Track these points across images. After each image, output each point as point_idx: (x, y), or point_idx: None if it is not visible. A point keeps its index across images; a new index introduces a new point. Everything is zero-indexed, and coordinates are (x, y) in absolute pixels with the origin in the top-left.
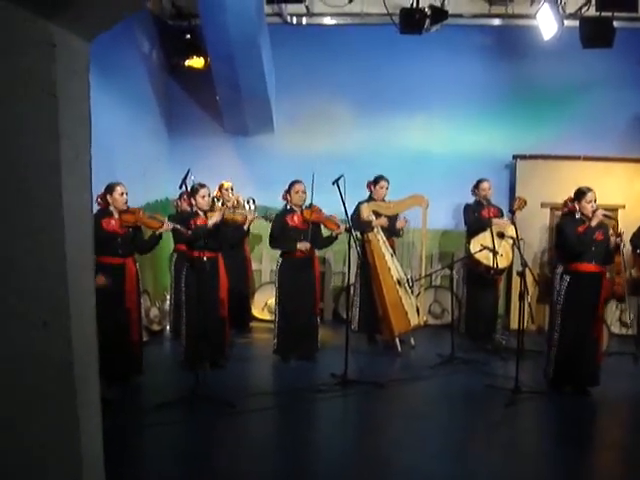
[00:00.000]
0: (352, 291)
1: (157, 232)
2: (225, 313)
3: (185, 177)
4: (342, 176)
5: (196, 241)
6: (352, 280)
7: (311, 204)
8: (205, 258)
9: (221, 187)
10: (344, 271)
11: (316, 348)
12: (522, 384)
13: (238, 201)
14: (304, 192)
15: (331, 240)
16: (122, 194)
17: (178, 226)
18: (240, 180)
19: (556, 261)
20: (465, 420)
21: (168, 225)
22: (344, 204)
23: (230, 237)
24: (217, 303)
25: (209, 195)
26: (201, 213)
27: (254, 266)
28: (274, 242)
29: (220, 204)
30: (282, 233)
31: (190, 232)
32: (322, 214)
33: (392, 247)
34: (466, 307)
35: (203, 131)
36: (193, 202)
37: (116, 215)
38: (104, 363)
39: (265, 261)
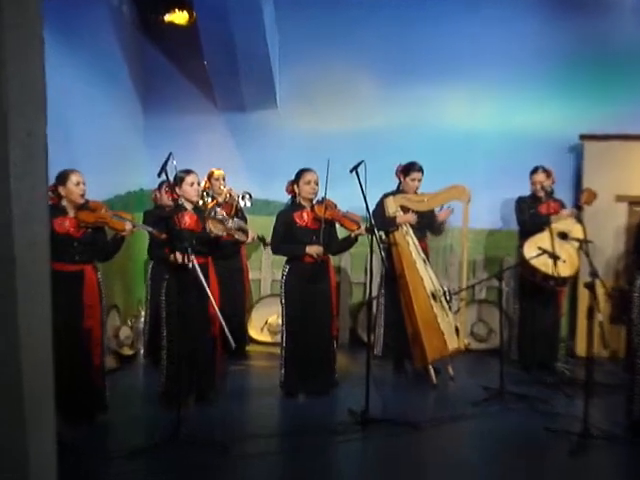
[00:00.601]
0: (375, 307)
1: (120, 234)
2: (216, 334)
3: (165, 163)
4: (362, 162)
5: (180, 242)
6: (374, 293)
7: (324, 198)
8: (191, 264)
9: (210, 176)
10: (365, 282)
11: (334, 381)
12: (593, 427)
13: (230, 195)
14: (316, 183)
15: (349, 243)
16: (78, 184)
17: (149, 229)
18: (234, 168)
19: (636, 270)
20: (518, 473)
21: (130, 226)
22: (365, 197)
23: (226, 247)
24: (206, 321)
25: (198, 183)
26: (189, 206)
27: (252, 275)
28: (278, 246)
29: (210, 199)
30: (288, 234)
31: (165, 235)
32: (338, 210)
33: (425, 252)
34: (519, 328)
35: (187, 106)
36: (179, 192)
37: (71, 213)
38: (60, 397)
39: (266, 269)
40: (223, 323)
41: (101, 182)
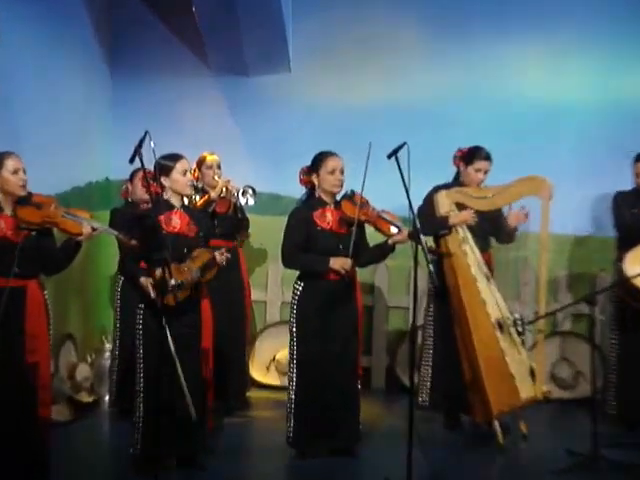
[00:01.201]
0: (421, 339)
1: (76, 239)
2: (208, 375)
3: (139, 145)
4: (404, 145)
5: (157, 252)
6: (420, 321)
7: (352, 192)
8: (173, 281)
9: (201, 163)
10: (406, 305)
11: (357, 435)
12: None
13: (227, 189)
14: (342, 172)
15: (383, 252)
16: (16, 172)
17: (115, 232)
18: (232, 152)
19: None
20: None
21: (88, 229)
22: (407, 191)
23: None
24: (196, 359)
25: (190, 171)
26: (177, 203)
27: (255, 295)
28: (290, 257)
29: (198, 196)
30: (304, 241)
31: (134, 241)
32: (371, 209)
33: (489, 265)
34: (618, 370)
35: (170, 69)
36: (166, 183)
37: (7, 210)
38: None
39: (274, 287)
40: (184, 387)
41: (52, 169)
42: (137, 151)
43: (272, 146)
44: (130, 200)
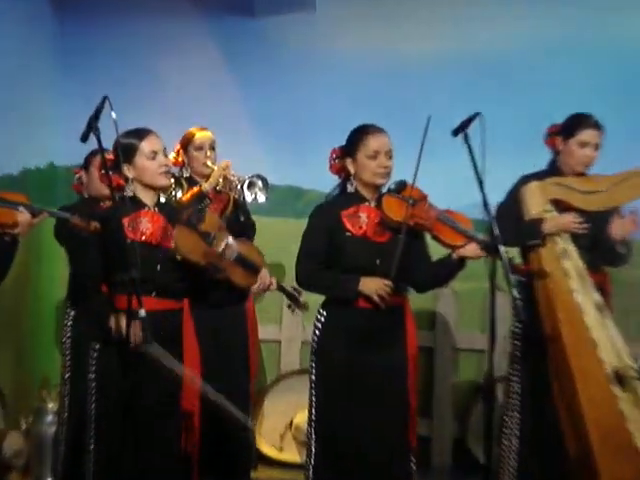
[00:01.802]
0: (502, 397)
1: (10, 233)
2: (192, 449)
3: (95, 116)
4: (478, 116)
5: (121, 271)
6: (502, 370)
7: (402, 183)
8: (143, 312)
9: (187, 142)
10: (482, 347)
11: None
12: None
13: (226, 178)
14: (389, 155)
15: (449, 270)
16: None
17: (66, 215)
18: (233, 127)
19: None
20: None
21: (26, 216)
22: (481, 183)
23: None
24: (173, 425)
25: (165, 154)
26: (148, 199)
27: (264, 332)
28: (307, 274)
29: (184, 186)
30: (330, 253)
31: (95, 225)
32: (428, 207)
33: (603, 291)
34: None
35: (140, 6)
36: (128, 173)
37: None
38: None
39: (290, 320)
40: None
41: None
42: (92, 126)
43: (289, 118)
44: (86, 196)
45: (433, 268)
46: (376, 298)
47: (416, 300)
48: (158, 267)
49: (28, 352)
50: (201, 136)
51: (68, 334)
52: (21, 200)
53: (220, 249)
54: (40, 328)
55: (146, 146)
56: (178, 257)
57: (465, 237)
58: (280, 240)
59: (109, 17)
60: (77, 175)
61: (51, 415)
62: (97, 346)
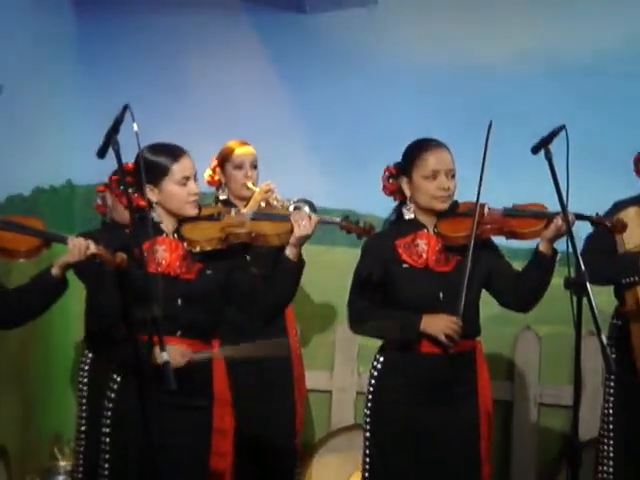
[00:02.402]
0: (594, 462)
1: (55, 270)
2: None
3: (114, 127)
4: (562, 130)
5: (142, 309)
6: (592, 431)
7: (454, 203)
8: (165, 355)
9: (225, 158)
10: (568, 402)
11: None
12: None
13: (268, 203)
14: (451, 175)
15: (545, 266)
16: None
17: (97, 248)
18: (279, 141)
19: None
20: None
21: (77, 244)
22: (564, 209)
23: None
24: None
25: (196, 177)
26: (169, 225)
27: (312, 381)
28: (359, 314)
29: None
30: (384, 288)
31: (122, 258)
32: (488, 212)
33: None
34: None
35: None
36: (152, 197)
37: None
38: None
39: (343, 367)
40: None
41: None
42: (110, 139)
43: (345, 131)
44: (109, 220)
45: (524, 276)
46: (443, 338)
47: (491, 345)
48: (179, 302)
49: (37, 403)
50: (241, 152)
51: (85, 379)
52: (37, 226)
53: (232, 216)
54: (50, 376)
55: (178, 170)
56: (197, 249)
57: (543, 218)
58: (333, 272)
59: (134, 14)
60: (100, 194)
61: (64, 476)
62: (116, 377)
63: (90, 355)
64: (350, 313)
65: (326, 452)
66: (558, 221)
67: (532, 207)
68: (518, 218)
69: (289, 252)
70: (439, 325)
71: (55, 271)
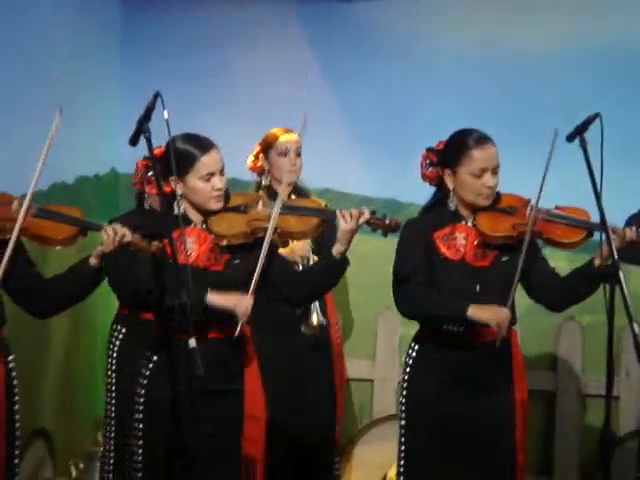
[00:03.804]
0: (638, 456)
1: (92, 261)
2: None
3: (146, 115)
4: (597, 118)
5: (170, 295)
6: (628, 424)
7: (496, 195)
8: (193, 342)
9: (269, 145)
10: (615, 394)
11: None
12: None
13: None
14: (495, 171)
15: (594, 282)
16: None
17: (132, 236)
18: (322, 129)
19: None
20: None
21: (116, 232)
22: (598, 198)
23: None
24: (233, 476)
25: (222, 172)
26: (196, 217)
27: (353, 369)
28: (414, 292)
29: (256, 206)
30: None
31: (156, 245)
32: (531, 211)
33: None
34: None
35: None
36: (176, 188)
37: None
38: None
39: (384, 356)
40: None
41: (18, 156)
42: (142, 126)
43: (387, 120)
44: (147, 206)
45: (569, 284)
46: (494, 324)
47: (534, 335)
48: (206, 293)
49: (80, 388)
50: (286, 139)
51: (114, 354)
52: (75, 214)
53: (258, 211)
54: (94, 361)
55: (203, 166)
56: (224, 243)
57: (583, 229)
58: (374, 261)
59: (176, 3)
60: (139, 171)
61: (103, 458)
62: (151, 356)
63: (123, 330)
64: (399, 297)
65: (367, 442)
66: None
67: (575, 212)
68: (557, 225)
69: (335, 249)
70: (489, 311)
71: (93, 261)
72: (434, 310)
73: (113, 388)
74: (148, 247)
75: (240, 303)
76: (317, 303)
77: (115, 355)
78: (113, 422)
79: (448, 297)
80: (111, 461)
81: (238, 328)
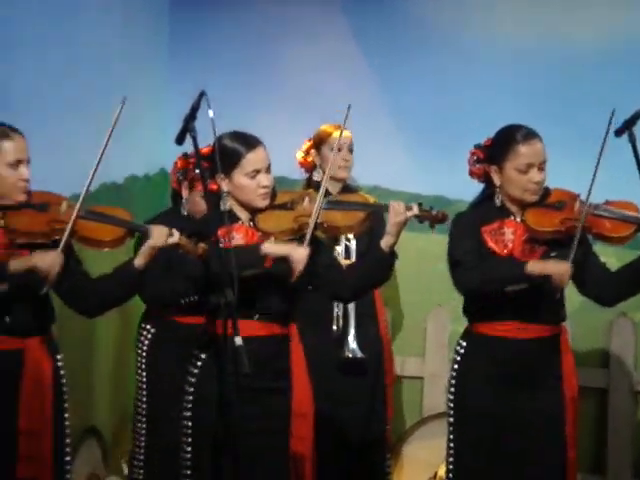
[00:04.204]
0: None
1: (136, 261)
2: None
3: (191, 114)
4: None
5: (215, 294)
6: None
7: (546, 189)
8: (239, 340)
9: (321, 141)
10: None
11: None
12: None
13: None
14: (542, 167)
15: (627, 291)
16: (18, 164)
17: (180, 237)
18: (369, 123)
19: None
20: None
21: (172, 236)
22: None
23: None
24: (281, 474)
25: (268, 169)
26: (243, 215)
27: (402, 367)
28: (475, 269)
29: (303, 202)
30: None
31: (202, 247)
32: (578, 205)
33: None
34: None
35: None
36: (223, 186)
37: None
38: None
39: (435, 353)
40: None
41: (69, 157)
42: (187, 125)
43: (436, 116)
44: (185, 212)
45: (623, 280)
46: (555, 271)
47: (585, 331)
48: (256, 287)
49: (132, 387)
50: (337, 136)
51: (144, 354)
52: (123, 216)
53: (304, 207)
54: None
55: (248, 163)
56: (272, 241)
57: (633, 223)
58: (423, 258)
59: (224, 3)
60: (179, 171)
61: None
62: (199, 354)
63: (152, 330)
64: (462, 279)
65: (417, 440)
66: None
67: (624, 207)
68: (606, 219)
69: (384, 241)
70: (549, 264)
71: (138, 262)
72: (493, 273)
73: (144, 387)
74: (195, 249)
75: (295, 250)
76: (353, 332)
77: (144, 354)
78: (144, 420)
79: (502, 260)
80: (141, 457)
81: (295, 275)
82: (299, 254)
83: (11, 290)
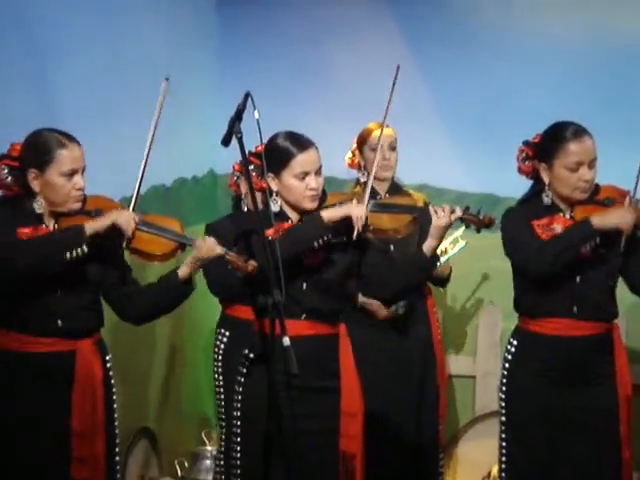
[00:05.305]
0: None
1: (179, 278)
2: None
3: (237, 116)
4: None
5: (263, 295)
6: None
7: (595, 186)
8: (287, 340)
9: (364, 140)
10: None
11: None
12: None
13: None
14: (592, 165)
15: None
16: (72, 174)
17: (229, 254)
18: (418, 123)
19: None
20: None
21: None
22: None
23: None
24: (331, 472)
25: (318, 171)
26: (293, 214)
27: (455, 366)
28: (539, 250)
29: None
30: None
31: (252, 265)
32: (633, 203)
33: None
34: None
35: None
36: (272, 185)
37: (49, 223)
38: None
39: (487, 351)
40: None
41: (118, 160)
42: (233, 126)
43: (484, 114)
44: (245, 208)
45: None
46: (625, 227)
47: (638, 328)
48: (304, 287)
49: (185, 388)
50: (379, 134)
51: (220, 357)
52: (175, 226)
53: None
54: (198, 361)
55: (298, 164)
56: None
57: None
58: (474, 257)
59: (272, 5)
60: (237, 173)
61: (211, 460)
62: (248, 354)
63: (227, 333)
64: (535, 262)
65: (470, 439)
66: None
67: None
68: None
69: (426, 244)
70: (612, 214)
71: (182, 272)
72: (563, 242)
73: (221, 390)
74: (245, 266)
75: (354, 207)
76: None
77: (221, 358)
78: (224, 424)
79: (564, 230)
80: (222, 462)
81: (355, 233)
82: (359, 210)
83: (91, 250)
